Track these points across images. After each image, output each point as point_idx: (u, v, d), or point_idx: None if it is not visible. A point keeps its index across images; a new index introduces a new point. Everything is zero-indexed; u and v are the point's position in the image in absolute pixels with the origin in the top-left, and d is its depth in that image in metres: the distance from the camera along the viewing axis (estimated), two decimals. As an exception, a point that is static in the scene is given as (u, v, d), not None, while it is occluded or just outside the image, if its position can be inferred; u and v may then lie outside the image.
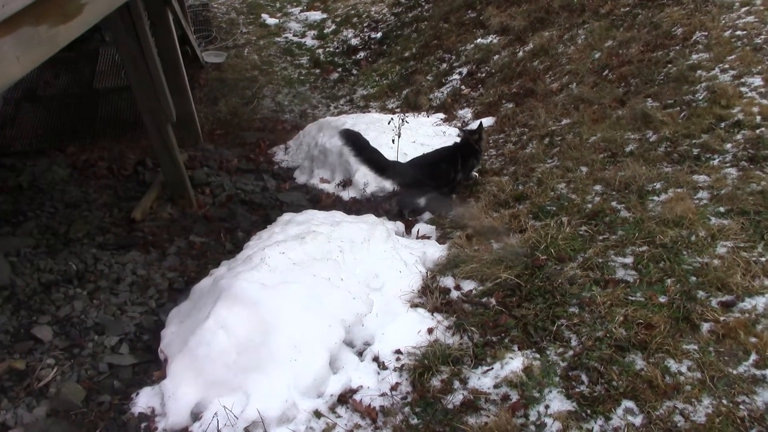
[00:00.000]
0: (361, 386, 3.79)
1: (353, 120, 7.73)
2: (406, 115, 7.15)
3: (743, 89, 5.66)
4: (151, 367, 4.18)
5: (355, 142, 5.83)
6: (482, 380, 3.71)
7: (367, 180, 6.75)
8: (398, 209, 6.07)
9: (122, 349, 4.31)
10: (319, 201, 6.75)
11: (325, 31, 12.22)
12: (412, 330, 4.06)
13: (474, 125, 6.41)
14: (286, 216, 5.20)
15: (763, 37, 6.17)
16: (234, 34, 12.20)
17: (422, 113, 8.60)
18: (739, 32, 6.39)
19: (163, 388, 3.74)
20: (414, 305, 4.34)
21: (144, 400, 3.83)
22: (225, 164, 7.78)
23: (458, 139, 6.31)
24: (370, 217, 5.36)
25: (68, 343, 4.31)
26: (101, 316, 4.55)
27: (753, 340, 3.51)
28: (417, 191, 5.97)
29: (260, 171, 7.72)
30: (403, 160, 6.69)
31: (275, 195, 6.86)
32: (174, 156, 6.01)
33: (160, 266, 5.27)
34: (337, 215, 5.24)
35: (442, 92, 9.08)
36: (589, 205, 5.06)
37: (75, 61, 10.58)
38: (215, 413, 3.49)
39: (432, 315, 4.24)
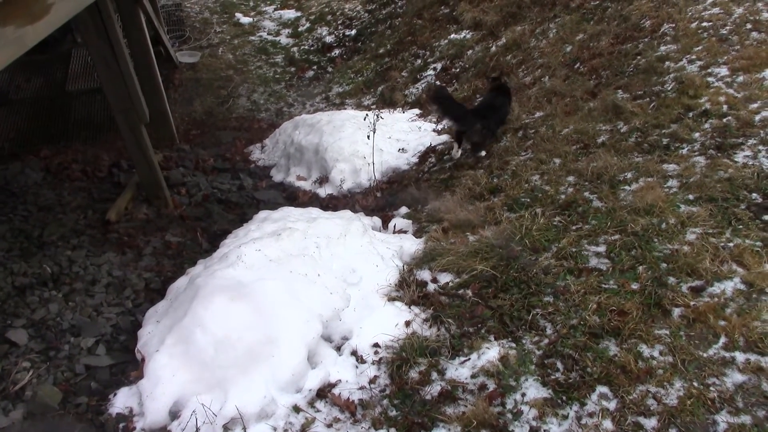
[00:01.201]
0: (340, 380, 3.81)
1: (329, 117, 7.74)
2: (381, 111, 7.18)
3: (710, 79, 5.76)
4: (128, 367, 4.16)
5: (442, 100, 6.35)
6: (459, 371, 3.75)
7: (344, 176, 6.78)
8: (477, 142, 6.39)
9: (99, 350, 4.28)
10: (296, 198, 6.76)
11: (299, 29, 12.21)
12: (389, 323, 4.08)
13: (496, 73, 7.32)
14: (263, 213, 5.20)
15: (728, 28, 6.29)
16: (208, 33, 12.14)
17: (398, 109, 8.64)
18: (705, 23, 6.51)
19: (140, 387, 3.73)
20: (391, 299, 4.37)
21: (122, 400, 3.82)
22: (201, 164, 7.75)
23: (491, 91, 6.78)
24: (347, 213, 5.38)
25: (44, 345, 4.27)
26: (77, 318, 4.52)
27: (722, 323, 3.59)
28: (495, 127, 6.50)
29: (236, 170, 7.70)
30: (378, 155, 6.73)
31: (252, 193, 6.86)
32: (148, 156, 5.97)
33: (137, 267, 5.24)
34: (314, 212, 5.25)
35: (417, 88, 9.12)
36: (563, 196, 5.12)
37: (47, 63, 10.47)
38: (194, 411, 3.50)
39: (409, 308, 4.27)
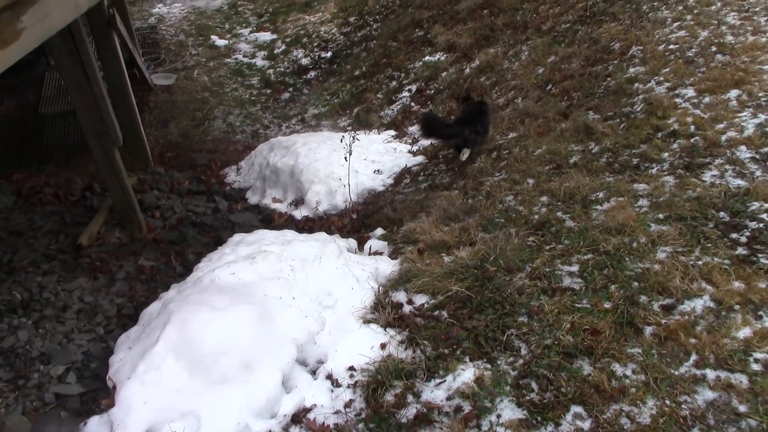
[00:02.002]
0: (315, 405, 3.78)
1: (304, 139, 7.76)
2: (357, 133, 7.22)
3: (677, 100, 5.89)
4: (99, 395, 4.09)
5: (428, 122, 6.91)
6: (435, 393, 3.75)
7: (320, 198, 6.78)
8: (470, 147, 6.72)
9: (69, 378, 4.21)
10: (272, 221, 6.74)
11: (275, 52, 12.25)
12: (365, 346, 4.07)
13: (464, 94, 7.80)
14: (237, 237, 5.18)
15: (694, 50, 6.44)
16: (183, 56, 12.13)
17: (373, 130, 8.68)
18: (672, 46, 6.66)
19: (112, 416, 3.66)
20: (367, 321, 4.36)
21: (93, 429, 3.74)
22: (176, 187, 7.70)
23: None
24: (322, 235, 5.38)
25: (12, 374, 4.19)
26: (47, 346, 4.44)
27: (693, 341, 3.64)
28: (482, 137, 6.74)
29: (212, 192, 7.66)
30: (353, 177, 6.75)
31: (227, 216, 6.83)
32: (121, 180, 5.93)
33: (109, 292, 5.17)
34: (289, 234, 5.24)
35: (393, 109, 9.18)
36: (536, 216, 5.17)
37: (20, 86, 10.38)
38: (167, 439, 3.44)
39: (385, 330, 4.26)
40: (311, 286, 4.39)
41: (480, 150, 6.78)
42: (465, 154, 6.73)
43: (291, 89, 11.13)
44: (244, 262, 4.42)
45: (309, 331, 4.03)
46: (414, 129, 8.35)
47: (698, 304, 3.86)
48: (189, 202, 7.09)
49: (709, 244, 4.27)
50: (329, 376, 3.94)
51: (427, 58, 9.75)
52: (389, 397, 3.79)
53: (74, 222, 6.27)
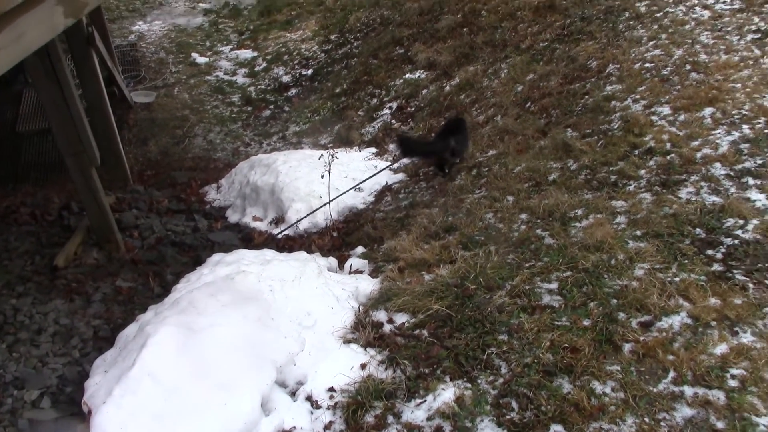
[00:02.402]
0: (294, 427, 3.74)
1: (285, 157, 7.75)
2: (336, 150, 7.22)
3: (654, 118, 5.97)
4: (74, 420, 4.02)
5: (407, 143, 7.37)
6: (415, 413, 3.73)
7: (300, 216, 6.75)
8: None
9: (44, 403, 4.13)
10: (252, 239, 6.70)
11: (256, 69, 12.26)
12: (345, 366, 4.04)
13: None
14: (216, 257, 5.14)
15: (669, 68, 6.54)
16: (163, 73, 12.10)
17: (354, 148, 8.69)
18: (647, 64, 6.76)
19: (87, 442, 3.60)
20: (347, 341, 4.34)
21: (68, 455, 3.68)
22: (155, 205, 7.65)
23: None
24: (302, 255, 5.36)
25: (-15, 400, 4.12)
26: (21, 370, 4.36)
27: (671, 357, 3.67)
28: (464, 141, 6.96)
29: (191, 211, 7.62)
30: (334, 195, 6.75)
31: (206, 235, 6.78)
32: (99, 199, 5.87)
33: (85, 314, 5.10)
34: (268, 254, 5.21)
35: (374, 127, 9.21)
36: (516, 234, 5.20)
37: (-3, 104, 10.29)
38: (143, 465, 3.39)
39: (365, 350, 4.24)
40: (291, 307, 4.36)
41: (459, 167, 6.82)
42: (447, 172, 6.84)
43: (272, 106, 11.13)
44: (222, 283, 4.39)
45: (288, 352, 3.99)
46: (394, 146, 8.37)
47: (676, 321, 3.89)
48: (168, 221, 7.04)
49: (686, 261, 4.31)
50: (309, 398, 3.91)
51: (407, 75, 9.80)
52: (369, 419, 3.76)
53: (51, 242, 6.19)
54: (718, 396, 3.40)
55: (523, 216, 5.44)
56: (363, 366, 4.09)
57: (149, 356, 3.68)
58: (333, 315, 4.46)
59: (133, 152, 9.73)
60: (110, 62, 9.25)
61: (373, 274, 5.45)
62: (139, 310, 4.95)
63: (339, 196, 6.85)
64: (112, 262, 6.03)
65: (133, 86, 11.51)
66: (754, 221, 4.51)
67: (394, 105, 9.41)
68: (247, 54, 12.87)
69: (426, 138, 7.63)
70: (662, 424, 3.32)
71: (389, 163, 7.90)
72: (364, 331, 4.39)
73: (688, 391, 3.46)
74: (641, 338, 3.82)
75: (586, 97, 6.86)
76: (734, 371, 3.51)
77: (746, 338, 3.71)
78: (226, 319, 4.01)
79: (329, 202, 6.64)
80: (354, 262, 5.62)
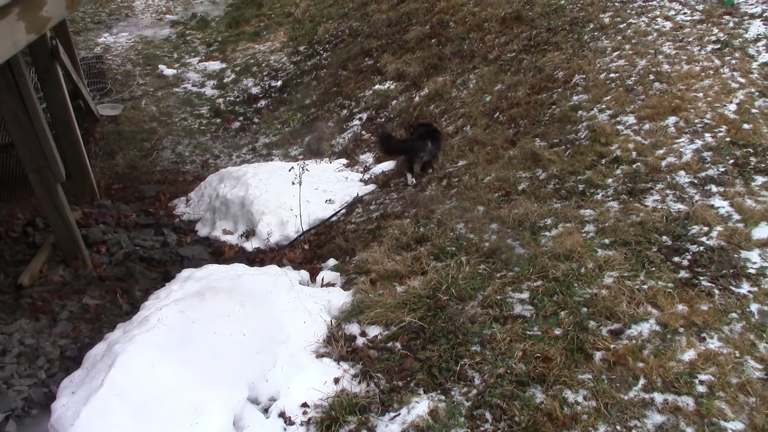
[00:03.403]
0: (268, 444, 3.70)
1: (255, 169, 7.70)
2: (308, 162, 7.19)
3: (619, 127, 6.08)
4: (41, 443, 3.93)
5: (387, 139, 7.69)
6: (389, 427, 3.71)
7: (271, 229, 6.72)
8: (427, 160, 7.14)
9: (9, 426, 4.02)
10: (222, 253, 6.63)
11: (224, 81, 12.17)
12: (318, 381, 4.01)
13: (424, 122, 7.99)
14: (186, 272, 5.06)
15: (633, 78, 6.67)
16: (130, 85, 11.94)
17: (325, 159, 8.66)
18: (612, 75, 6.89)
19: (54, 465, 3.51)
20: (320, 355, 4.31)
21: (34, 480, 3.59)
22: (123, 220, 7.53)
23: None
24: (273, 268, 5.31)
25: (-52, 425, 3.99)
26: (-16, 393, 4.25)
27: (640, 365, 3.72)
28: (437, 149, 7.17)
29: (160, 225, 7.51)
30: (305, 207, 6.72)
31: (176, 250, 6.68)
32: (65, 216, 5.76)
33: (51, 333, 4.98)
34: (239, 268, 5.15)
35: (344, 138, 9.20)
36: (487, 244, 5.23)
37: (-43, 118, 10.03)
38: (112, 488, 3.31)
39: (338, 364, 4.21)
40: (262, 322, 4.31)
41: (430, 178, 6.85)
42: (413, 180, 6.98)
43: (241, 118, 11.05)
44: (192, 299, 4.32)
45: (260, 369, 3.95)
46: (365, 157, 8.38)
47: (644, 328, 3.95)
48: (136, 236, 6.92)
49: (653, 268, 4.39)
50: (282, 414, 3.86)
51: (377, 86, 9.83)
52: (343, 433, 3.74)
53: (15, 260, 6.05)
54: (687, 402, 3.45)
55: (494, 226, 5.48)
56: (336, 380, 4.07)
57: (118, 376, 3.60)
58: (305, 329, 4.43)
59: (99, 166, 9.56)
60: (75, 75, 9.10)
61: (346, 286, 5.44)
62: (108, 329, 4.85)
63: (337, 212, 6.82)
64: (78, 280, 5.91)
65: (99, 99, 11.33)
66: (718, 228, 4.62)
67: (364, 116, 9.42)
68: (215, 65, 12.77)
69: (405, 138, 7.80)
70: (634, 431, 3.36)
71: (361, 174, 7.91)
72: (336, 344, 4.36)
73: (658, 397, 3.51)
74: (612, 346, 3.87)
75: (554, 106, 6.96)
76: (702, 377, 3.58)
77: (713, 344, 3.78)
78: (196, 336, 3.95)
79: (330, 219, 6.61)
80: (326, 274, 5.60)
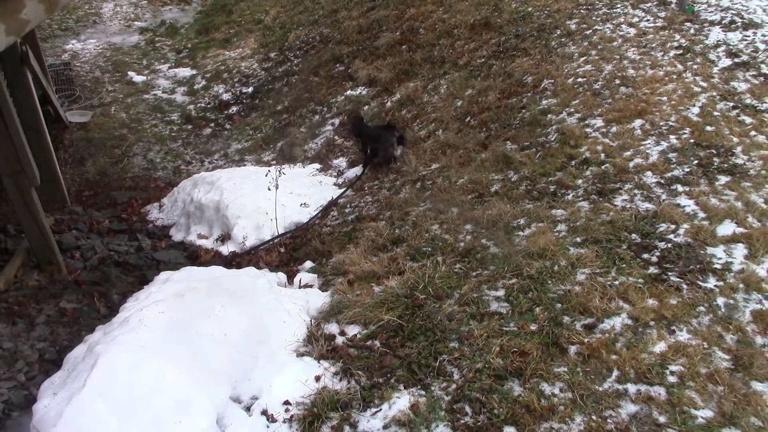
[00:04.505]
0: (251, 442, 3.73)
1: (229, 174, 7.71)
2: (283, 166, 7.22)
3: (588, 130, 6.25)
4: (22, 446, 3.90)
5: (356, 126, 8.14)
6: (372, 422, 3.77)
7: (247, 233, 6.73)
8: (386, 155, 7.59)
9: (-11, 430, 3.99)
10: (198, 257, 6.62)
11: (195, 87, 12.15)
12: (299, 379, 4.06)
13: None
14: (164, 275, 5.06)
15: (600, 83, 6.87)
16: (99, 92, 11.85)
17: (298, 164, 8.71)
18: (580, 79, 7.07)
19: (36, 467, 3.49)
20: (300, 354, 4.35)
21: (15, 483, 3.56)
22: (95, 226, 7.47)
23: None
24: (251, 270, 5.34)
25: (-75, 430, 3.93)
26: (-37, 397, 4.19)
27: (614, 357, 3.84)
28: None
29: (134, 231, 7.46)
30: (280, 211, 6.75)
31: (151, 254, 6.66)
32: (39, 221, 5.70)
33: (29, 337, 4.93)
34: (217, 270, 5.17)
35: (317, 143, 9.25)
36: (462, 244, 5.33)
37: None
38: (96, 489, 3.31)
39: (318, 362, 4.27)
40: (243, 322, 4.34)
41: (404, 181, 6.95)
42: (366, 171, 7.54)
43: (213, 124, 11.04)
44: (173, 300, 4.33)
45: (242, 368, 3.98)
46: (338, 162, 8.45)
47: (617, 322, 4.08)
48: (110, 242, 6.88)
49: (624, 265, 4.53)
50: (264, 412, 3.89)
51: (348, 92, 9.91)
52: (326, 430, 3.78)
53: (-13, 266, 5.97)
54: (659, 392, 3.58)
55: (468, 227, 5.59)
56: (317, 378, 4.12)
57: (100, 376, 3.60)
58: (285, 329, 4.47)
59: (69, 173, 9.47)
60: (44, 81, 9.01)
61: (323, 287, 5.49)
62: (86, 331, 4.81)
63: (314, 216, 6.89)
64: (54, 284, 5.85)
65: (67, 106, 11.21)
66: (685, 225, 4.78)
67: (337, 121, 9.49)
68: (185, 72, 12.73)
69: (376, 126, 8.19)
70: (609, 421, 3.48)
71: (335, 179, 7.98)
72: (317, 343, 4.42)
73: (632, 388, 3.64)
74: (586, 340, 3.99)
75: (523, 111, 7.11)
76: (673, 368, 3.71)
77: (682, 336, 3.92)
78: (178, 336, 3.97)
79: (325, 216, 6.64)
80: (303, 276, 5.64)
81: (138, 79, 12.44)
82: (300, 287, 5.46)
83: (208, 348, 3.96)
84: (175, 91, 12.16)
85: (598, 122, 6.33)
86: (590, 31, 8.06)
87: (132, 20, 15.30)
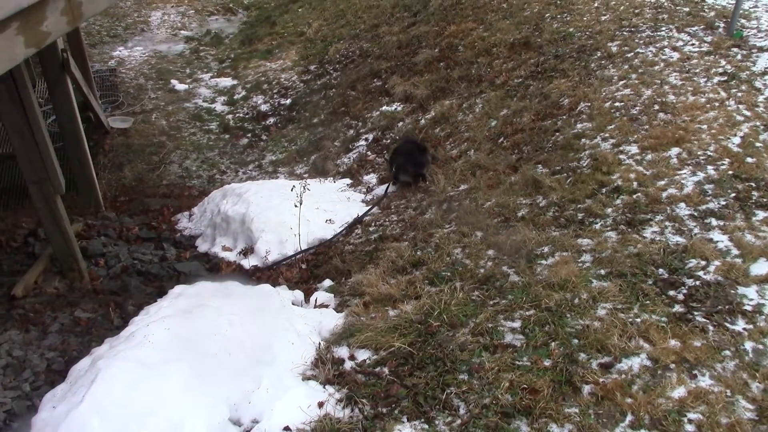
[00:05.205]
0: (247, 467, 3.66)
1: (257, 187, 7.71)
2: (309, 181, 7.19)
3: (622, 156, 6.03)
4: (20, 457, 3.91)
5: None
6: (371, 455, 3.66)
7: (269, 247, 6.70)
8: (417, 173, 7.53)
9: (-11, 439, 4.01)
10: (219, 270, 6.61)
11: (235, 97, 12.27)
12: (302, 404, 3.96)
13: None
14: (178, 289, 5.06)
15: (638, 108, 6.63)
16: (142, 99, 12.06)
17: (329, 178, 8.68)
18: (617, 103, 6.85)
19: (30, 481, 3.48)
20: (306, 378, 4.27)
21: (10, 495, 3.56)
22: (125, 233, 7.55)
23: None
24: (265, 288, 5.30)
25: (-71, 435, 3.98)
26: (-33, 404, 4.23)
27: (629, 400, 3.65)
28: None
29: (162, 239, 7.52)
30: (305, 226, 6.71)
31: (173, 265, 6.67)
32: (63, 228, 5.78)
33: (40, 345, 4.97)
34: (231, 286, 5.14)
35: (349, 158, 9.21)
36: (482, 270, 5.19)
37: (-32, 127, 10.15)
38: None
39: (324, 387, 4.17)
40: (250, 342, 4.29)
41: (430, 201, 6.84)
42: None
43: (249, 135, 11.11)
44: (180, 317, 4.31)
45: (243, 390, 3.91)
46: (368, 178, 8.38)
47: (635, 363, 3.89)
48: (136, 250, 6.93)
49: (648, 302, 4.32)
50: (263, 437, 3.82)
51: (384, 107, 9.85)
52: (324, 460, 3.69)
53: (12, 270, 6.07)
54: (674, 441, 3.38)
55: (491, 252, 5.45)
56: (320, 404, 4.02)
57: (99, 392, 3.58)
58: (293, 351, 4.40)
59: (107, 178, 9.63)
60: (86, 87, 9.20)
61: (339, 308, 5.41)
62: (96, 343, 4.83)
63: (337, 233, 6.82)
64: (73, 292, 5.91)
65: (110, 111, 11.45)
66: (716, 262, 4.55)
67: (370, 137, 9.43)
68: (226, 82, 12.88)
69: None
70: (618, 469, 3.29)
71: (363, 195, 7.91)
72: (323, 367, 4.33)
73: (645, 435, 3.44)
74: (601, 380, 3.80)
75: (557, 134, 6.92)
76: (692, 415, 3.51)
77: (704, 381, 3.71)
78: (181, 354, 3.93)
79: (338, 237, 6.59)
80: (319, 295, 5.57)
81: (180, 87, 12.63)
82: (315, 306, 5.39)
83: (209, 368, 3.91)
84: (216, 101, 12.30)
85: (633, 149, 6.10)
86: (632, 54, 7.81)
87: (179, 29, 15.58)
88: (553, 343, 4.15)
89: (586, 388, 3.79)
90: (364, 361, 4.44)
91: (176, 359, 3.88)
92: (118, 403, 3.56)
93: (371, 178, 8.40)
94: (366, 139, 9.45)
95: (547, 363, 4.01)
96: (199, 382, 3.79)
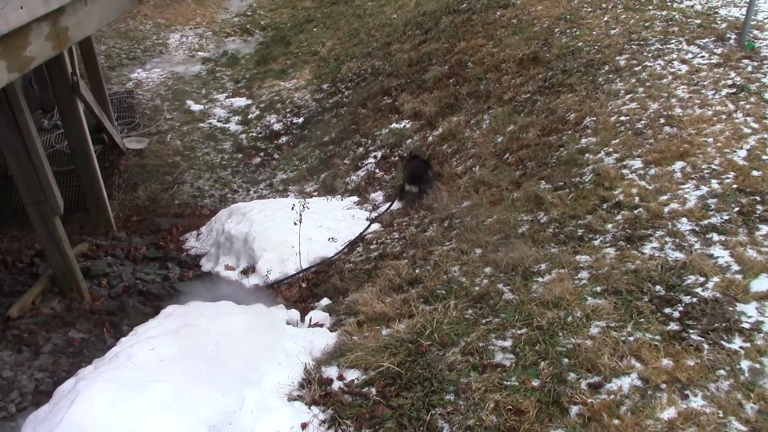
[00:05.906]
0: (225, 490, 3.61)
1: (261, 206, 7.73)
2: (309, 200, 7.19)
3: (624, 171, 5.91)
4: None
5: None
6: (351, 478, 3.59)
7: (271, 266, 6.69)
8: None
9: (-31, 463, 4.01)
10: (218, 289, 6.60)
11: (249, 117, 12.39)
12: (285, 425, 3.90)
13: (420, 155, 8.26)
14: (169, 309, 5.05)
15: (643, 122, 6.51)
16: (157, 120, 12.25)
17: (337, 196, 8.68)
18: (623, 117, 6.74)
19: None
20: (292, 398, 4.21)
21: None
22: (132, 252, 7.62)
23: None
24: (257, 308, 5.27)
25: None
26: (-48, 426, 4.25)
27: (616, 422, 3.52)
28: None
29: (168, 259, 7.56)
30: (307, 244, 6.70)
31: (174, 285, 6.69)
32: (62, 249, 5.83)
33: (31, 366, 4.98)
34: (223, 306, 5.13)
35: (358, 175, 9.20)
36: (477, 288, 5.10)
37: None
38: None
39: (309, 408, 4.11)
40: (236, 362, 4.25)
41: (432, 219, 6.77)
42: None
43: (262, 154, 11.19)
44: (166, 337, 4.29)
45: (225, 411, 3.86)
46: (375, 195, 8.36)
47: (625, 383, 3.76)
48: (140, 270, 6.97)
49: (642, 320, 4.20)
50: (244, 459, 3.77)
51: (393, 125, 9.84)
52: (303, 483, 3.62)
53: (13, 291, 6.13)
54: (661, 465, 3.25)
55: (488, 270, 5.36)
56: (303, 426, 3.95)
57: (77, 414, 3.57)
58: (280, 371, 4.35)
59: (121, 198, 9.77)
60: (98, 110, 9.36)
61: (334, 327, 5.36)
62: (86, 363, 4.80)
63: (338, 252, 6.78)
64: (70, 312, 5.94)
65: (127, 133, 11.64)
66: (715, 279, 4.41)
67: (379, 154, 9.42)
68: (241, 102, 13.02)
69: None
70: (601, 495, 3.17)
71: (368, 213, 7.88)
72: (310, 388, 4.27)
73: (631, 459, 3.31)
74: (589, 400, 3.68)
75: (561, 149, 6.83)
76: (680, 438, 3.37)
77: (696, 402, 3.57)
78: (163, 375, 3.91)
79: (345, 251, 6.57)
80: (315, 315, 5.52)
81: (195, 107, 12.80)
82: (310, 326, 5.35)
83: (191, 389, 3.88)
84: (230, 120, 12.43)
85: (637, 163, 5.98)
86: (639, 67, 7.70)
87: (196, 50, 15.83)
88: (542, 363, 4.04)
89: (574, 409, 3.67)
90: (353, 381, 4.37)
91: (158, 380, 3.86)
92: (97, 424, 3.53)
93: (378, 196, 8.37)
94: (375, 157, 9.43)
95: (535, 383, 3.90)
96: (180, 403, 3.76)
